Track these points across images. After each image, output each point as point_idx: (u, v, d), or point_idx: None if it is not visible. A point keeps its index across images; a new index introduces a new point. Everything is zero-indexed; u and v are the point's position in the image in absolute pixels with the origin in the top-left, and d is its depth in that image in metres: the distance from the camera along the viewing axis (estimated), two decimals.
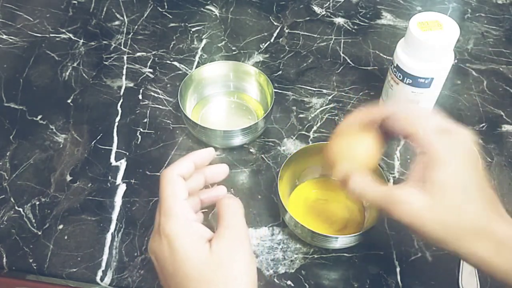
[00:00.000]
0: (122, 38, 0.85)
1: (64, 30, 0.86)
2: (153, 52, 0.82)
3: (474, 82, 0.78)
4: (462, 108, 0.74)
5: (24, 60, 0.80)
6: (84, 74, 0.78)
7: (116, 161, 0.66)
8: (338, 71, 0.80)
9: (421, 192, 0.35)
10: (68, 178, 0.64)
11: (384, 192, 0.37)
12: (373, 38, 0.86)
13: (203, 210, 0.61)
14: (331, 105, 0.74)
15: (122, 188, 0.63)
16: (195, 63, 0.81)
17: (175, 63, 0.80)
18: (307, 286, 0.54)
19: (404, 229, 0.60)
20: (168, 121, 0.71)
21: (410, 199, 0.35)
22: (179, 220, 0.35)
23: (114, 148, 0.68)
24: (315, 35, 0.86)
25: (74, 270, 0.55)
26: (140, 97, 0.75)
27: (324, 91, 0.76)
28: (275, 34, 0.86)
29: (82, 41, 0.84)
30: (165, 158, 0.66)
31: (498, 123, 0.72)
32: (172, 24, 0.88)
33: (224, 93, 0.74)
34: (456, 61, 0.82)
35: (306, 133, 0.70)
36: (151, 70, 0.79)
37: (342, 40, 0.85)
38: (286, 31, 0.87)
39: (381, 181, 0.40)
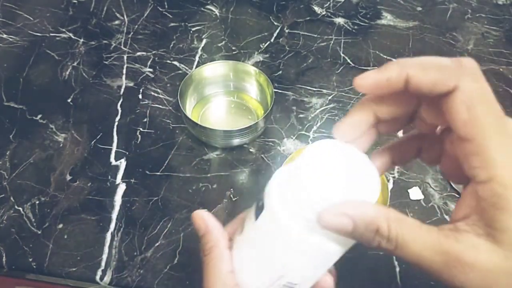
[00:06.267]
0: (122, 38, 0.85)
1: (64, 30, 0.86)
2: (153, 52, 0.82)
3: None
4: None
5: (24, 60, 0.80)
6: (84, 74, 0.78)
7: (116, 161, 0.66)
8: (338, 71, 0.80)
9: (491, 246, 0.23)
10: (68, 177, 0.64)
11: (436, 244, 0.24)
12: (373, 38, 0.86)
13: (203, 210, 0.61)
14: (331, 105, 0.74)
15: (122, 188, 0.63)
16: (195, 63, 0.81)
17: (175, 62, 0.80)
18: None
19: None
20: (168, 121, 0.71)
21: (478, 258, 0.23)
22: None
23: (114, 147, 0.68)
24: (315, 35, 0.86)
25: (74, 269, 0.55)
26: (140, 96, 0.75)
27: (324, 91, 0.76)
28: (275, 34, 0.86)
29: (82, 40, 0.84)
30: (165, 158, 0.66)
31: None
32: (172, 24, 0.88)
33: (224, 93, 0.74)
34: None
35: (306, 133, 0.70)
36: (151, 70, 0.79)
37: (342, 40, 0.85)
38: (286, 31, 0.87)
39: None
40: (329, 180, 0.25)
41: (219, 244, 0.32)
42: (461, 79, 0.23)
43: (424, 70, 0.24)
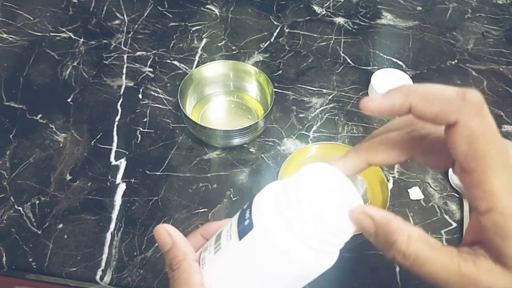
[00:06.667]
0: (122, 37, 0.84)
1: (64, 29, 0.86)
2: (153, 52, 0.82)
3: (474, 82, 0.78)
4: None
5: (24, 59, 0.80)
6: (84, 73, 0.78)
7: (116, 161, 0.66)
8: (338, 70, 0.80)
9: (505, 271, 0.24)
10: (68, 177, 0.64)
11: (455, 267, 0.24)
12: (373, 38, 0.86)
13: (203, 210, 0.61)
14: (331, 105, 0.74)
15: (122, 188, 0.63)
16: (195, 63, 0.80)
17: (175, 62, 0.80)
18: (306, 286, 0.54)
19: None
20: (168, 121, 0.71)
21: (495, 283, 0.24)
22: None
23: (114, 147, 0.68)
24: (315, 35, 0.86)
25: (74, 269, 0.55)
26: (140, 96, 0.75)
27: (324, 90, 0.76)
28: (275, 34, 0.86)
29: (82, 40, 0.84)
30: (165, 158, 0.66)
31: (498, 124, 0.72)
32: (172, 24, 0.88)
33: (224, 93, 0.74)
34: (456, 61, 0.82)
35: (306, 133, 0.70)
36: (151, 70, 0.79)
37: (342, 40, 0.85)
38: (286, 30, 0.87)
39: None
40: (326, 204, 0.25)
41: (188, 258, 0.31)
42: (463, 113, 0.23)
43: (427, 102, 0.24)
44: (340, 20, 0.89)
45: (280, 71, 0.79)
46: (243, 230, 0.27)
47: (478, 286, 0.24)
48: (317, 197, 0.25)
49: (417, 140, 0.27)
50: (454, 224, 0.60)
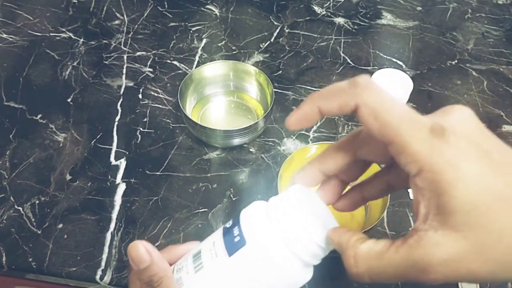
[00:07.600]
0: (122, 37, 0.84)
1: (64, 29, 0.86)
2: (153, 52, 0.82)
3: (474, 82, 0.78)
4: None
5: (24, 59, 0.80)
6: (84, 73, 0.78)
7: (116, 161, 0.66)
8: (338, 71, 0.80)
9: (450, 233, 0.23)
10: (68, 177, 0.64)
11: (405, 262, 0.24)
12: (373, 38, 0.86)
13: (203, 210, 0.61)
14: None
15: (121, 187, 0.63)
16: (195, 63, 0.80)
17: (175, 62, 0.80)
18: (306, 286, 0.54)
19: (404, 229, 0.60)
20: (168, 121, 0.71)
21: (446, 253, 0.23)
22: None
23: (114, 147, 0.68)
24: (315, 35, 0.86)
25: (74, 269, 0.55)
26: (140, 96, 0.75)
27: None
28: (275, 34, 0.86)
29: (82, 40, 0.84)
30: (165, 158, 0.66)
31: (498, 123, 0.72)
32: (172, 24, 0.88)
33: (224, 93, 0.74)
34: (456, 61, 0.82)
35: (306, 133, 0.70)
36: (151, 70, 0.79)
37: (342, 40, 0.85)
38: (286, 30, 0.87)
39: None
40: (316, 223, 0.27)
41: (169, 274, 0.31)
42: (358, 97, 0.25)
43: (328, 100, 0.27)
44: (340, 20, 0.89)
45: (280, 71, 0.79)
46: (233, 246, 0.28)
47: (433, 266, 0.23)
48: (308, 217, 0.27)
49: (354, 137, 0.29)
50: None
